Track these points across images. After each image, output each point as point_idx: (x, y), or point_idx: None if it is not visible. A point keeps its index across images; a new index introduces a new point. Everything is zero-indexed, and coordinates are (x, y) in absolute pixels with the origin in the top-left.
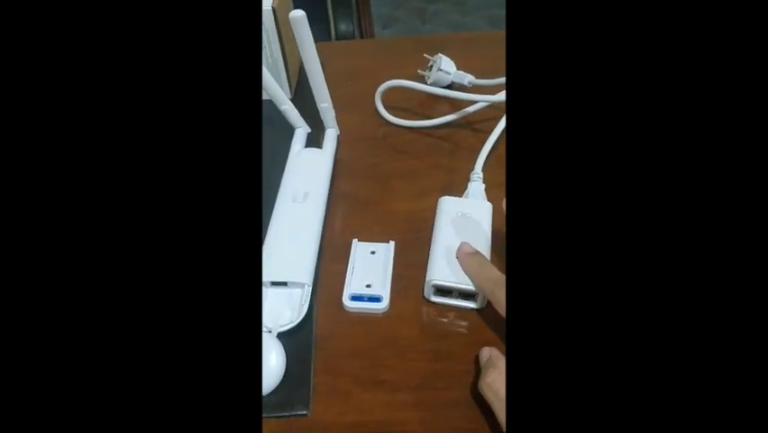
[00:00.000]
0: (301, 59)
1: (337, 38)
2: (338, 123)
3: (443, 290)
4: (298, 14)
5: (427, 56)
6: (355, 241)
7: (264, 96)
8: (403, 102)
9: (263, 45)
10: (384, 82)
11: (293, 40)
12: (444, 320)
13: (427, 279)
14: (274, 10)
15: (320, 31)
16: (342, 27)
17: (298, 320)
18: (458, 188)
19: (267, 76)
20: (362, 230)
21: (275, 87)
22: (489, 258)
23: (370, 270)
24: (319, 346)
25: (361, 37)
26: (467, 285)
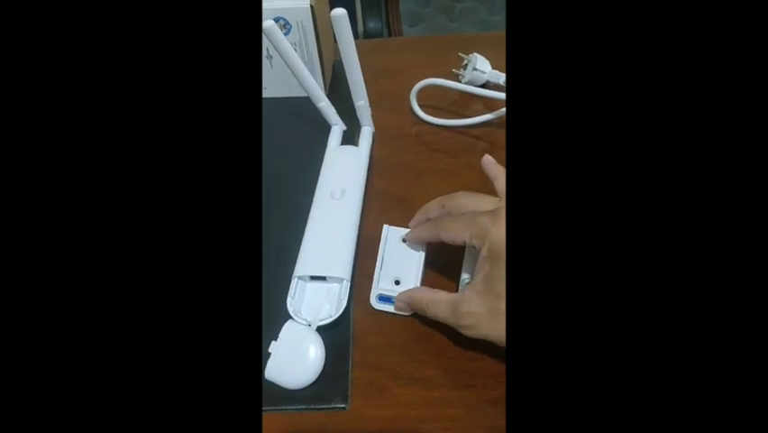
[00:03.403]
0: (339, 56)
1: (365, 36)
2: (374, 120)
3: None
4: (340, 12)
5: (462, 55)
6: (386, 226)
7: (301, 93)
8: (436, 100)
9: (300, 42)
10: (417, 80)
11: (329, 37)
12: None
13: (462, 277)
14: (312, 8)
15: None
16: (371, 25)
17: (337, 315)
18: (493, 188)
19: (305, 73)
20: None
21: (312, 84)
22: None
23: (401, 260)
24: (357, 341)
25: (390, 35)
26: None
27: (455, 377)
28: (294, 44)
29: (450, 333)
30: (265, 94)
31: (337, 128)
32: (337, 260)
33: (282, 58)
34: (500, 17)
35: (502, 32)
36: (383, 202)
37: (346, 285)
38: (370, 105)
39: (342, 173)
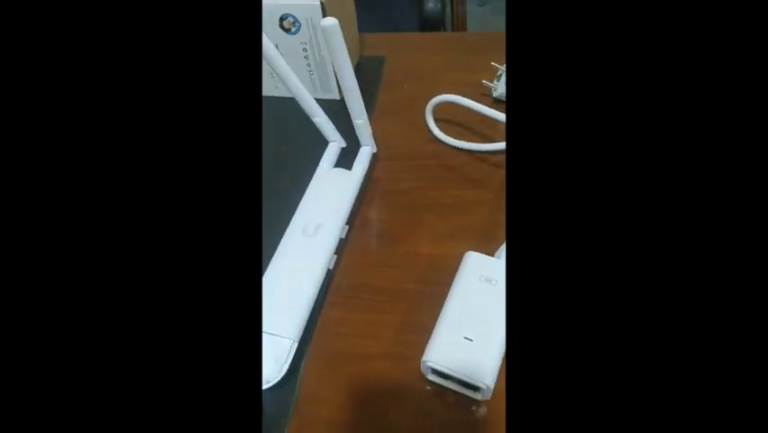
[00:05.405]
0: (363, 53)
1: (422, 18)
2: (383, 133)
3: (440, 373)
4: (330, 23)
5: (495, 64)
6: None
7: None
8: (461, 115)
9: (310, 42)
10: (446, 86)
11: (346, 36)
12: (442, 405)
13: (423, 357)
14: (323, 5)
15: (407, 9)
16: (430, 5)
17: (277, 379)
18: (499, 237)
19: (296, 83)
20: (376, 272)
21: (305, 96)
22: (503, 345)
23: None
24: (297, 410)
25: (452, 16)
26: (467, 376)
27: None
28: (303, 44)
29: (403, 417)
30: (277, 93)
31: (334, 145)
32: (288, 315)
33: (269, 64)
34: None
35: None
36: (367, 240)
37: (293, 346)
38: (385, 116)
39: (324, 204)
